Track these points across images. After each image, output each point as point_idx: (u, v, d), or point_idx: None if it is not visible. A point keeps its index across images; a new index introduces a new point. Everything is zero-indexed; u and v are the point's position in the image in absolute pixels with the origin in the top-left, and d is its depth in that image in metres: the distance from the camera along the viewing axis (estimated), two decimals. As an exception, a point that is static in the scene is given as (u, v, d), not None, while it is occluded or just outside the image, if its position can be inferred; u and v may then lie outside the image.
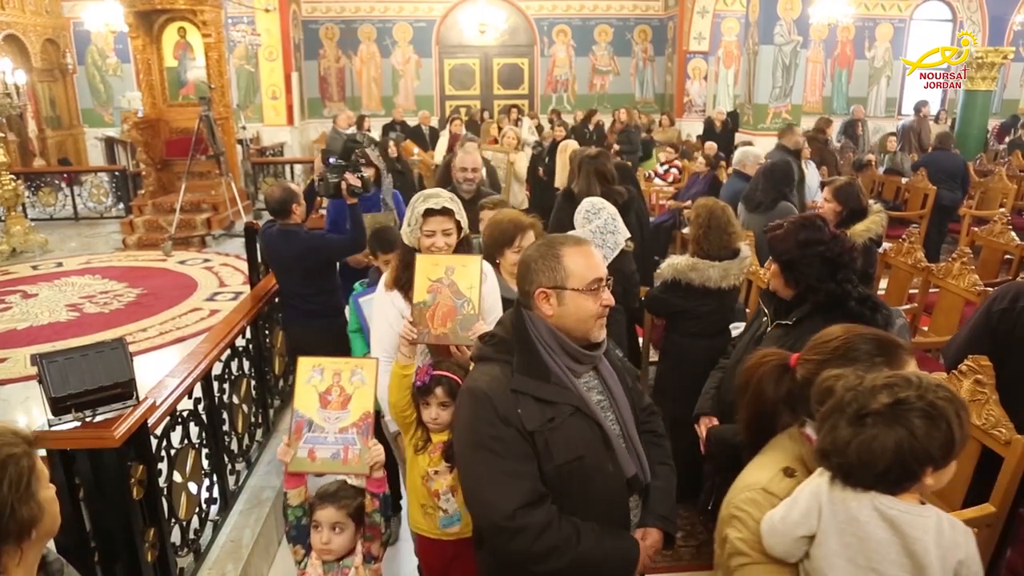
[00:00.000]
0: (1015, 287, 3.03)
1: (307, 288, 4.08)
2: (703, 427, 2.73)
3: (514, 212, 3.20)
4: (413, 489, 2.49)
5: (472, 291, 2.39)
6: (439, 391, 2.36)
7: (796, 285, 2.48)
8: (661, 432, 2.16)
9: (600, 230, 3.76)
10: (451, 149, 7.61)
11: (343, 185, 4.04)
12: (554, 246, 1.88)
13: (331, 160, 4.36)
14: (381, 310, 2.71)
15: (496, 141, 8.13)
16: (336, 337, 3.58)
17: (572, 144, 8.20)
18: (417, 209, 2.60)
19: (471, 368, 2.02)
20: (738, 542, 1.55)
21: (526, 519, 1.74)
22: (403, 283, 2.62)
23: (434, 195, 2.63)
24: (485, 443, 1.78)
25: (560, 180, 8.05)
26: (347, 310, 3.46)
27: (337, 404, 2.23)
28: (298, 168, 11.19)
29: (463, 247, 2.68)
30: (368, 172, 4.54)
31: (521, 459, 1.77)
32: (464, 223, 2.68)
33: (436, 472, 2.41)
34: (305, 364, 2.27)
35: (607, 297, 1.88)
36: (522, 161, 7.33)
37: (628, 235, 4.01)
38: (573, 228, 4.32)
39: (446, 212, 2.60)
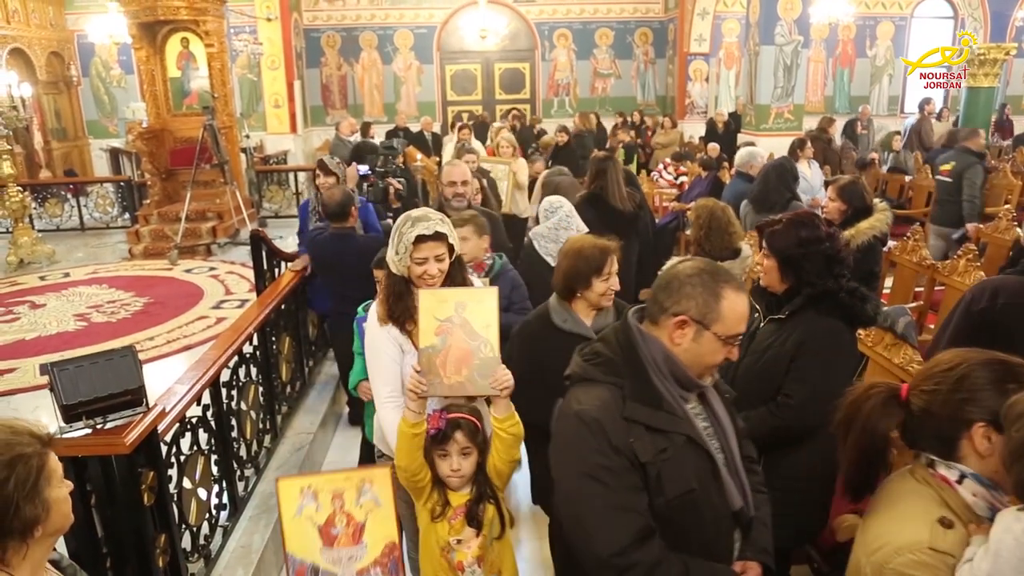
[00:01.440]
0: (990, 285, 3.03)
1: (363, 292, 3.97)
2: None
3: (590, 237, 2.88)
4: (429, 560, 2.20)
5: (489, 330, 2.10)
6: (459, 436, 2.13)
7: (796, 280, 2.49)
8: (754, 457, 2.06)
9: (555, 226, 3.97)
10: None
11: (390, 190, 4.07)
12: (718, 281, 1.70)
13: (362, 170, 4.40)
14: (377, 345, 2.48)
15: (497, 145, 8.10)
16: None
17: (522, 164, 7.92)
18: (406, 236, 2.34)
19: (572, 390, 1.81)
20: None
21: (636, 556, 1.64)
22: (397, 315, 2.42)
23: (423, 218, 2.37)
24: (594, 473, 1.66)
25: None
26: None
27: (347, 538, 1.91)
28: (302, 176, 11.23)
29: (456, 270, 2.47)
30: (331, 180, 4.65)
31: (632, 491, 1.66)
32: (457, 245, 2.47)
33: (459, 541, 2.14)
34: (289, 489, 1.91)
35: (735, 354, 1.76)
36: (524, 170, 7.10)
37: (586, 230, 4.14)
38: (598, 232, 4.35)
39: (438, 237, 2.37)
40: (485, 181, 5.17)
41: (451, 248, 2.42)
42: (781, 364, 2.44)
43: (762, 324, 2.57)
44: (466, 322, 2.10)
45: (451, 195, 4.22)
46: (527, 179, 6.99)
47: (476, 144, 8.72)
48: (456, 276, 2.47)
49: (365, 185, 4.38)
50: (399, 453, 2.14)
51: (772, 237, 2.55)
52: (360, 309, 3.22)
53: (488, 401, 2.19)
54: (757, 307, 2.62)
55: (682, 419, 1.71)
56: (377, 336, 2.47)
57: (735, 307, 1.70)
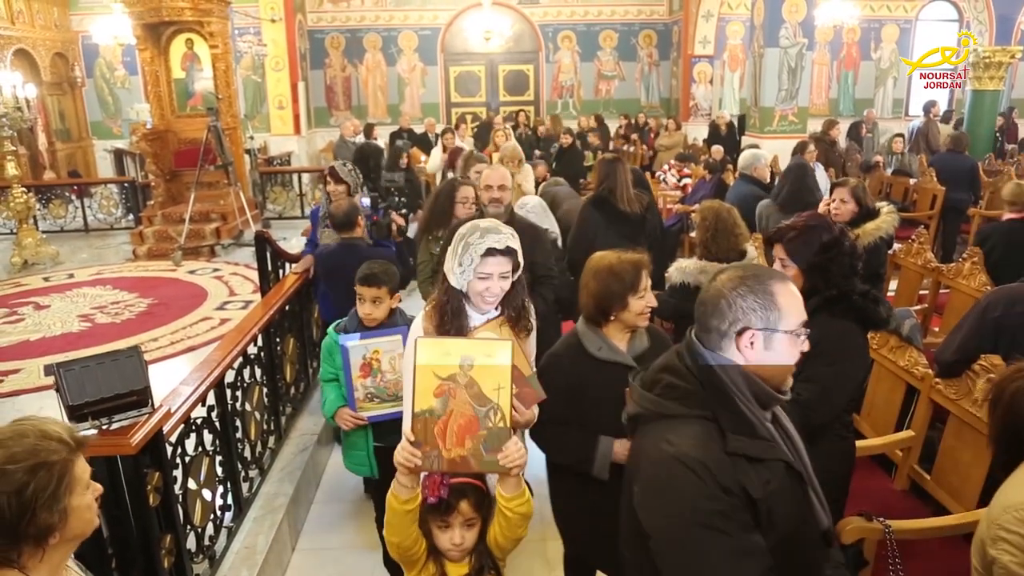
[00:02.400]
0: (1007, 293, 3.03)
1: None
2: None
3: (614, 252, 2.55)
4: None
5: (501, 394, 1.79)
6: (464, 506, 1.89)
7: (825, 286, 2.45)
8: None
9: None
10: (452, 166, 7.28)
11: (393, 227, 4.11)
12: (763, 280, 1.61)
13: (365, 201, 4.33)
14: None
15: (498, 148, 8.06)
16: None
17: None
18: (475, 247, 2.12)
19: (652, 430, 1.62)
20: (1012, 564, 1.55)
21: None
22: (451, 335, 2.16)
23: (493, 229, 2.15)
24: (709, 522, 1.49)
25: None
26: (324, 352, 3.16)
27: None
28: (306, 177, 11.24)
29: (518, 292, 2.23)
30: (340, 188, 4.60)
31: (749, 532, 1.53)
32: (522, 263, 2.22)
33: None
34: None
35: (805, 343, 1.64)
36: (529, 179, 6.81)
37: (556, 230, 4.51)
38: (603, 236, 4.38)
39: (508, 252, 2.15)
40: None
41: (516, 266, 2.21)
42: (798, 369, 2.42)
43: None
44: (473, 383, 1.78)
45: (488, 200, 3.86)
46: (533, 187, 6.76)
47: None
48: (516, 299, 2.27)
49: (367, 221, 4.27)
50: (389, 528, 1.87)
51: (795, 246, 2.50)
52: (331, 330, 3.08)
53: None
54: None
55: (776, 444, 1.61)
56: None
57: (791, 297, 1.62)
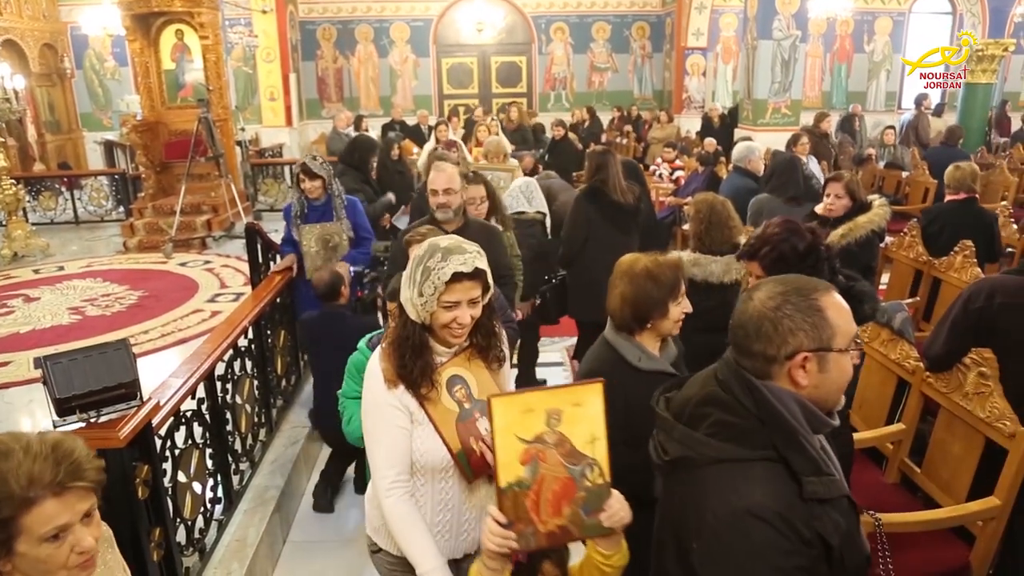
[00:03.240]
0: (988, 284, 3.03)
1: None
2: None
3: (646, 255, 2.33)
4: None
5: (597, 446, 1.57)
6: (548, 568, 1.74)
7: None
8: None
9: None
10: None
11: (378, 302, 3.85)
12: (807, 294, 1.45)
13: (353, 269, 4.10)
14: (380, 412, 1.90)
15: (480, 143, 7.97)
16: None
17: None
18: (436, 273, 1.78)
19: (711, 477, 1.43)
20: None
21: None
22: (412, 376, 1.85)
23: (457, 249, 1.81)
24: None
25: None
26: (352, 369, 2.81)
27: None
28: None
29: (487, 319, 1.94)
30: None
31: None
32: (491, 284, 1.91)
33: None
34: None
35: (856, 355, 1.49)
36: (518, 172, 6.56)
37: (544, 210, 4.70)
38: (597, 227, 4.38)
39: (476, 275, 1.81)
40: (486, 189, 4.34)
41: (486, 287, 1.87)
42: None
43: None
44: (564, 439, 1.56)
45: (435, 205, 3.52)
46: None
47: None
48: (485, 326, 1.94)
49: (353, 299, 3.99)
50: None
51: (775, 262, 2.42)
52: (363, 343, 2.66)
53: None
54: None
55: (838, 478, 1.45)
56: (380, 400, 1.89)
57: (839, 309, 1.46)
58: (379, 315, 3.86)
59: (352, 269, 4.02)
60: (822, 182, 6.65)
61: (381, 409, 1.89)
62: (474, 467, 1.88)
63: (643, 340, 2.29)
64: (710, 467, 1.43)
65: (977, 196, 5.01)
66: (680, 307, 2.27)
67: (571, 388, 1.64)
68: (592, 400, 1.57)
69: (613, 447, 1.62)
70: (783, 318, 1.43)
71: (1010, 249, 5.73)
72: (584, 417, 1.56)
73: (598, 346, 2.40)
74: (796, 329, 1.42)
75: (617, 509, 1.62)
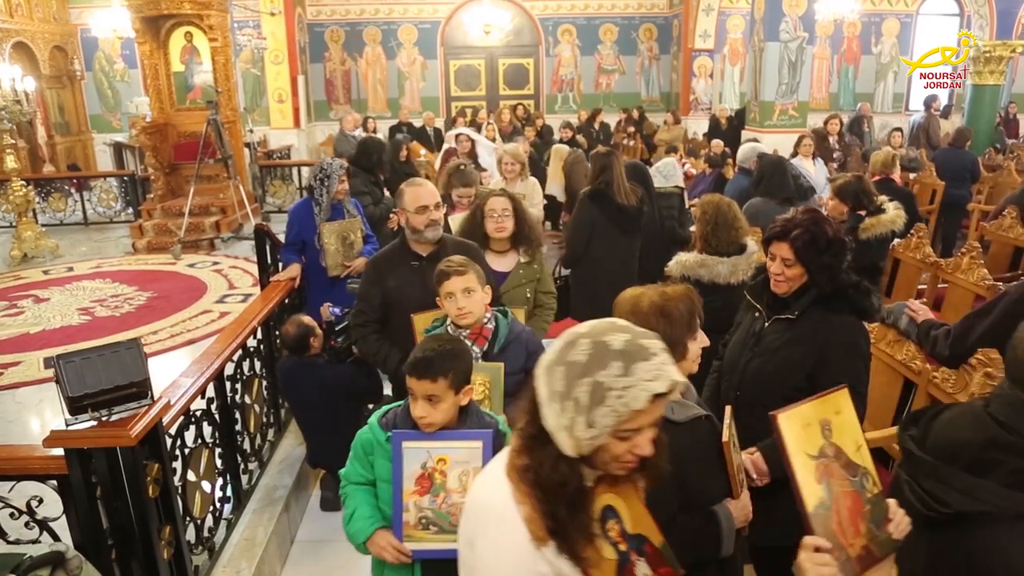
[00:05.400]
0: None
1: (333, 428, 3.64)
2: None
3: (652, 288, 2.02)
4: None
5: (863, 453, 1.49)
6: None
7: (829, 285, 2.40)
8: None
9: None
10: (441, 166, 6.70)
11: (355, 349, 3.63)
12: None
13: (335, 311, 3.85)
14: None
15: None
16: None
17: (563, 149, 8.17)
18: (624, 395, 1.26)
19: (1003, 532, 1.27)
20: None
21: None
22: (568, 533, 1.31)
23: (638, 349, 1.30)
24: None
25: (551, 186, 7.99)
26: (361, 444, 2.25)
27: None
28: (305, 171, 11.23)
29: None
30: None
31: None
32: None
33: None
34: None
35: None
36: (537, 192, 5.96)
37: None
38: (601, 229, 4.39)
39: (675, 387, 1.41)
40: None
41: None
42: (800, 366, 2.38)
43: (767, 324, 2.51)
44: (839, 451, 1.46)
45: (423, 224, 3.08)
46: (540, 202, 6.14)
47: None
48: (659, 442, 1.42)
49: (328, 343, 3.79)
50: None
51: (800, 244, 2.39)
52: (374, 420, 2.21)
53: None
54: (758, 307, 2.56)
55: None
56: (523, 565, 1.31)
57: None
58: (354, 364, 3.71)
59: (332, 310, 3.83)
60: (823, 182, 6.69)
61: (521, 570, 1.31)
62: None
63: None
64: (1011, 521, 1.27)
65: (894, 178, 5.95)
66: (699, 343, 1.98)
67: (828, 396, 1.53)
68: (846, 406, 1.51)
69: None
70: None
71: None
72: (846, 425, 1.49)
73: None
74: None
75: (902, 516, 1.45)
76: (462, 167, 4.73)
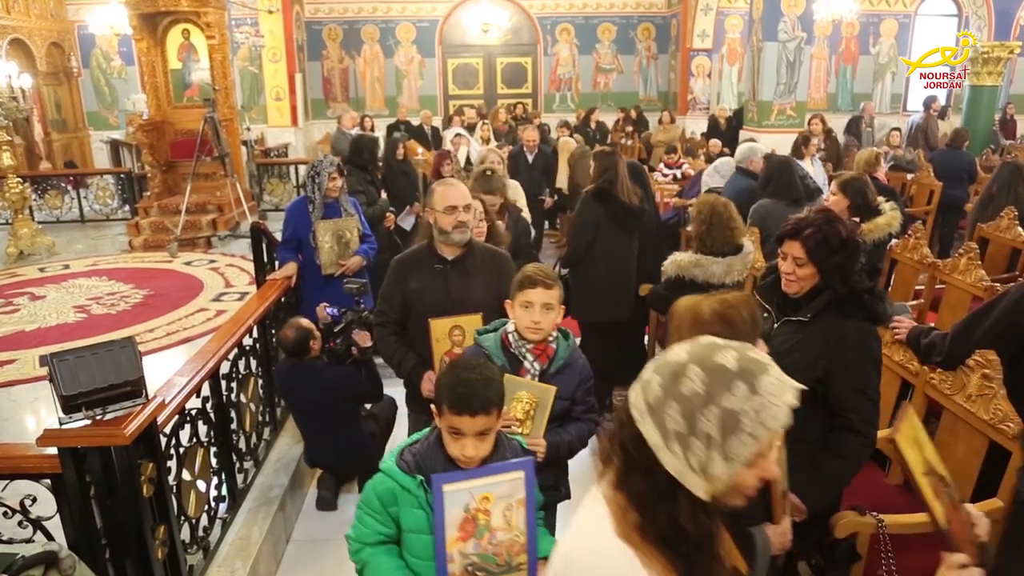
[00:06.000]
0: None
1: (332, 430, 3.71)
2: None
3: (711, 297, 1.93)
4: None
5: (940, 463, 1.57)
6: None
7: (841, 286, 2.37)
8: None
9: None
10: (437, 170, 6.36)
11: (353, 349, 3.60)
12: None
13: (332, 312, 3.80)
14: None
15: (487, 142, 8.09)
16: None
17: (571, 142, 8.18)
18: (759, 417, 1.12)
19: None
20: None
21: None
22: (694, 560, 1.18)
23: (752, 363, 1.16)
24: None
25: (561, 180, 8.00)
26: (381, 486, 1.98)
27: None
28: (303, 169, 11.20)
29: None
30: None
31: None
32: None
33: None
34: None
35: None
36: (520, 197, 5.54)
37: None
38: (604, 228, 4.38)
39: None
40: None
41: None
42: (811, 369, 2.33)
43: (776, 325, 2.47)
44: (931, 465, 1.55)
45: (451, 226, 2.92)
46: (524, 203, 5.79)
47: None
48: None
49: (326, 345, 3.75)
50: None
51: (813, 243, 2.35)
52: (391, 461, 1.98)
53: None
54: (768, 308, 2.52)
55: None
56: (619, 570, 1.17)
57: None
58: (354, 366, 3.69)
59: (329, 311, 3.79)
60: (824, 182, 6.69)
61: None
62: None
63: None
64: None
65: (878, 176, 5.89)
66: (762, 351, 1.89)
67: (909, 412, 1.58)
68: (919, 423, 1.56)
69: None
70: None
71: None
72: (925, 439, 1.55)
73: None
74: None
75: (982, 517, 1.50)
76: (487, 172, 4.52)
